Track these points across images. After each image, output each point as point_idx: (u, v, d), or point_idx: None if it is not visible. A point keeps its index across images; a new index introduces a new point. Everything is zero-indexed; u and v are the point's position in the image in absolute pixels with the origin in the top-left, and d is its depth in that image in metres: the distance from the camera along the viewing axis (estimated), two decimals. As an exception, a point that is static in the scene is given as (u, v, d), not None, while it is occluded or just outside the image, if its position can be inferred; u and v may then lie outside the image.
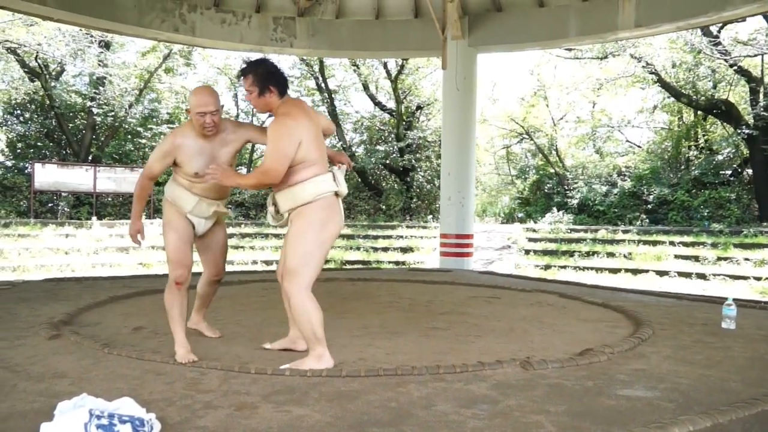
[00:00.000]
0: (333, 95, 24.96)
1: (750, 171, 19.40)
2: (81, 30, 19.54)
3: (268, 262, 17.11)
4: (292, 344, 4.12)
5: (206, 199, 3.97)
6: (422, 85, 25.28)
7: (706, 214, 18.12)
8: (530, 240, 19.01)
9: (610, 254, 16.98)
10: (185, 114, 3.95)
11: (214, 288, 4.42)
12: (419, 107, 24.88)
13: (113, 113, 22.04)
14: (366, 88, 24.95)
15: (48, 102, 21.65)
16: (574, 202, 20.83)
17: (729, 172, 19.72)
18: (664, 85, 21.15)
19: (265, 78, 3.65)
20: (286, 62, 25.84)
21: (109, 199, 21.08)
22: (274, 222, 3.83)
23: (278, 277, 3.99)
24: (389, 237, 19.70)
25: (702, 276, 14.58)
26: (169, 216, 3.99)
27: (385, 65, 23.98)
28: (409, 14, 13.26)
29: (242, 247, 18.37)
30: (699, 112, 21.61)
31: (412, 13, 13.23)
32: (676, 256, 16.04)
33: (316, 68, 24.31)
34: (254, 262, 17.15)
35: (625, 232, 18.22)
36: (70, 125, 22.40)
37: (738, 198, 18.30)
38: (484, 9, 12.86)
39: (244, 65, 3.74)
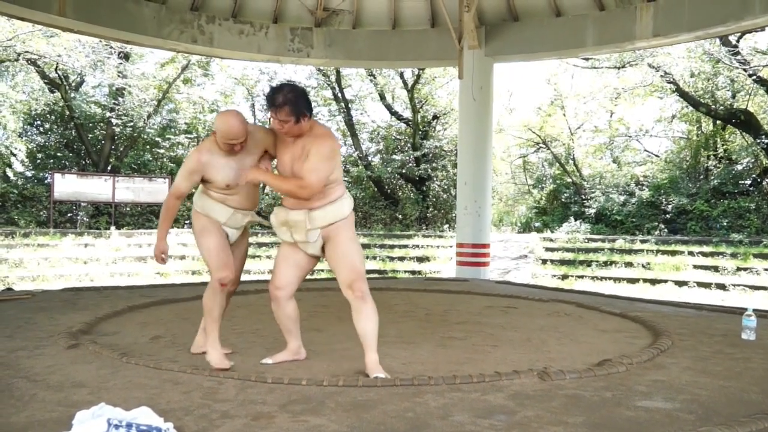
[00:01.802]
0: (349, 105, 25.02)
1: (770, 181, 19.24)
2: (100, 41, 19.73)
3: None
4: (295, 355, 4.14)
5: (241, 210, 3.97)
6: (438, 94, 25.28)
7: (725, 223, 17.97)
8: (547, 249, 18.92)
9: (628, 264, 16.87)
10: (212, 137, 3.82)
11: (228, 301, 4.31)
12: (435, 117, 24.89)
13: (132, 124, 22.21)
14: (382, 97, 24.99)
15: (68, 113, 21.85)
16: (592, 211, 20.71)
17: (748, 181, 19.54)
18: (683, 94, 21.03)
19: (302, 104, 3.60)
20: (302, 72, 26.00)
21: (128, 208, 21.21)
22: (306, 239, 3.78)
23: (278, 291, 3.97)
24: (405, 246, 19.69)
25: (721, 286, 14.46)
26: (203, 223, 3.95)
27: (401, 75, 24.01)
28: (425, 24, 13.30)
29: (259, 256, 18.41)
30: (718, 122, 21.45)
31: (429, 23, 13.27)
32: (695, 266, 15.91)
33: (333, 78, 24.39)
34: (271, 272, 17.18)
35: (643, 241, 18.10)
36: (90, 136, 22.59)
37: (758, 208, 18.12)
38: (500, 19, 12.87)
39: (271, 95, 3.60)
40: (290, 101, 3.55)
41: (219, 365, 3.71)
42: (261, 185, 4.12)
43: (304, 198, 3.65)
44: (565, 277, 16.71)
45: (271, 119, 3.64)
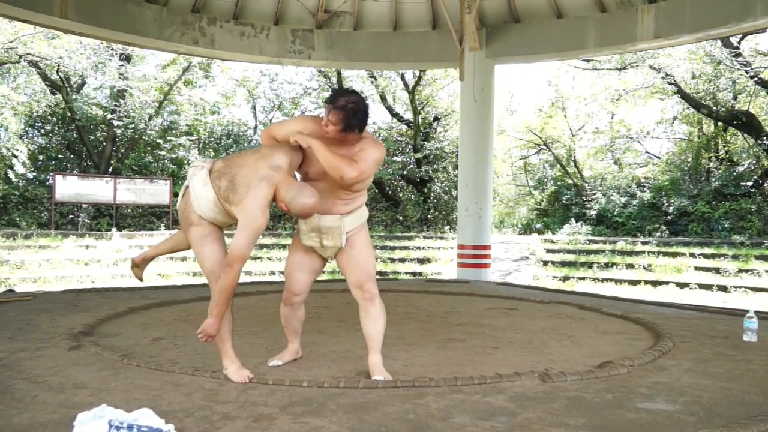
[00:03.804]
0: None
1: (771, 182, 19.23)
2: (102, 43, 19.76)
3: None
4: (296, 354, 4.19)
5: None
6: (439, 96, 25.28)
7: (726, 225, 17.96)
8: (548, 251, 18.92)
9: (630, 266, 16.87)
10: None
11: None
12: (436, 118, 24.89)
13: (133, 125, 22.22)
14: (383, 99, 24.99)
15: (69, 114, 21.88)
16: (593, 213, 20.70)
17: (750, 183, 19.53)
18: (684, 96, 21.03)
19: (355, 121, 3.55)
20: (304, 74, 26.02)
21: (129, 210, 21.22)
22: (341, 244, 3.78)
23: (295, 297, 3.97)
24: (406, 248, 19.69)
25: (723, 288, 14.46)
26: (207, 229, 3.61)
27: (402, 77, 24.02)
28: (426, 26, 13.31)
29: (260, 257, 18.42)
30: (719, 123, 21.46)
31: (430, 25, 13.27)
32: (696, 268, 15.92)
33: (334, 80, 24.41)
34: (272, 273, 17.20)
35: (644, 243, 18.10)
36: (91, 137, 22.61)
37: (759, 209, 18.12)
38: (501, 20, 12.87)
39: (336, 95, 3.57)
40: (347, 111, 3.50)
41: (239, 379, 3.53)
42: None
43: (346, 180, 3.55)
44: (566, 278, 16.71)
45: (325, 113, 3.56)
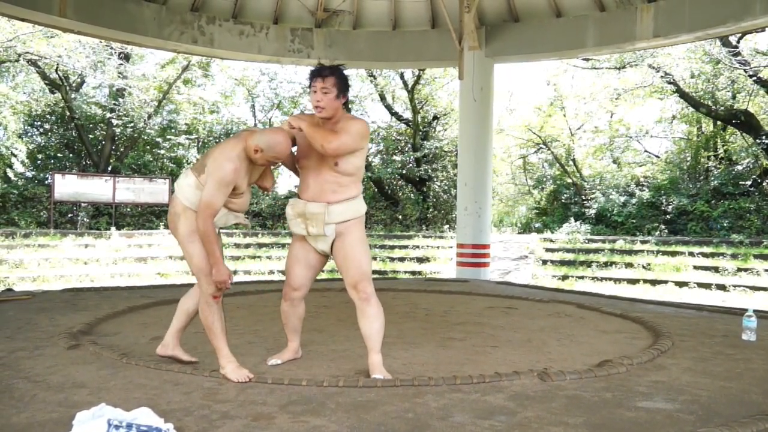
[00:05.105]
0: (350, 106, 25.01)
1: (770, 181, 19.23)
2: (101, 42, 19.74)
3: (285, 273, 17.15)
4: (295, 354, 4.17)
5: (233, 212, 3.79)
6: (439, 95, 25.27)
7: (725, 224, 17.96)
8: (547, 250, 18.91)
9: (629, 265, 16.86)
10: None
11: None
12: (436, 117, 24.89)
13: (132, 124, 22.22)
14: (383, 98, 25.00)
15: (68, 113, 21.86)
16: (592, 212, 20.70)
17: (749, 182, 19.53)
18: (683, 95, 21.04)
19: (345, 83, 3.72)
20: (303, 73, 26.01)
21: (128, 209, 21.22)
22: (323, 232, 3.76)
23: (295, 292, 3.97)
24: (405, 247, 19.69)
25: (722, 287, 14.46)
26: (194, 223, 3.61)
27: (401, 76, 24.01)
28: (425, 25, 13.30)
29: (259, 257, 18.42)
30: (718, 123, 21.46)
31: (429, 24, 13.27)
32: (695, 267, 15.91)
33: (333, 79, 24.37)
34: (271, 272, 17.19)
35: (643, 242, 18.09)
36: (90, 136, 22.60)
37: (758, 208, 18.11)
38: (501, 20, 12.88)
39: (320, 67, 3.72)
40: (338, 74, 3.67)
41: (239, 378, 3.51)
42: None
43: (327, 149, 3.60)
44: (565, 277, 16.71)
45: (313, 92, 3.65)
